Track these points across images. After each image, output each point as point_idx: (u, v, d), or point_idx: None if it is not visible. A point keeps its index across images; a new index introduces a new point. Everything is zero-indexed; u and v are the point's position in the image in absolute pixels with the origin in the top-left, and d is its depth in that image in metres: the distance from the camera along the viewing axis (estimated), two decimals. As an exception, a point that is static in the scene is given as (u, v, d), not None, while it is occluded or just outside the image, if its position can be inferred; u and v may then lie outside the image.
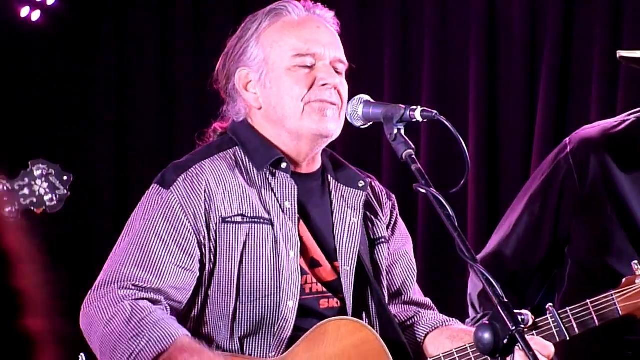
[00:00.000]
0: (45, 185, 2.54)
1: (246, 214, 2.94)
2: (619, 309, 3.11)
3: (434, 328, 3.15)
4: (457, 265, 4.17)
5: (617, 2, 5.19)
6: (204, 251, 2.92)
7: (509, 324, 2.38)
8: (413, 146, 2.74)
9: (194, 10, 6.15)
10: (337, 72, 3.02)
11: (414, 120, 2.77)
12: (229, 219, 2.93)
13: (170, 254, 2.89)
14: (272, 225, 2.95)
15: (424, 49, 5.64)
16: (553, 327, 3.04)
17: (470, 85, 5.51)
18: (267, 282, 2.92)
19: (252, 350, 2.93)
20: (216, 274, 2.93)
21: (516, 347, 2.41)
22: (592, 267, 3.55)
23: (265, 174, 3.00)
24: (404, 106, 2.80)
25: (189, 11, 6.15)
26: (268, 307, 2.92)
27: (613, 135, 3.54)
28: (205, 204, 2.92)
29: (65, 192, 2.55)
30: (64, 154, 6.13)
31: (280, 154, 3.00)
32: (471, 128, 5.47)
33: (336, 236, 3.04)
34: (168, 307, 2.89)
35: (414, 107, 2.77)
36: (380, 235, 3.14)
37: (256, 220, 2.95)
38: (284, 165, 2.99)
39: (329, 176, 3.10)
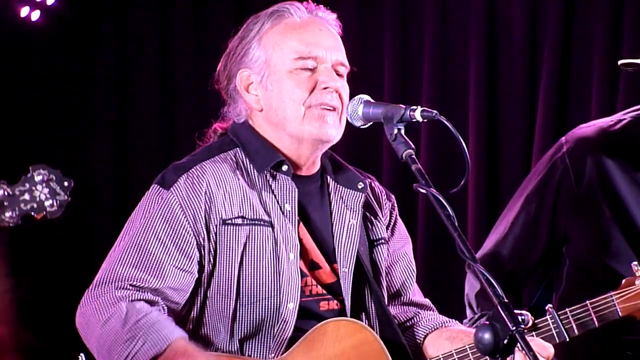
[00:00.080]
0: (46, 190, 2.53)
1: (246, 216, 2.94)
2: (618, 310, 3.10)
3: (433, 329, 3.15)
4: (457, 265, 4.17)
5: (617, 2, 5.19)
6: (202, 253, 2.92)
7: (509, 324, 2.38)
8: (413, 146, 2.74)
9: (194, 10, 6.15)
10: (338, 74, 3.02)
11: (414, 120, 2.76)
12: (229, 221, 2.93)
13: (169, 255, 2.88)
14: (272, 227, 2.95)
15: (424, 49, 5.64)
16: (552, 328, 3.04)
17: (470, 85, 5.51)
18: (267, 284, 2.92)
19: (251, 351, 2.93)
20: (216, 276, 2.93)
21: (516, 348, 2.41)
22: (590, 267, 3.55)
23: (266, 175, 3.00)
24: (404, 106, 2.79)
25: (189, 11, 6.15)
26: (268, 309, 2.92)
27: (610, 134, 3.53)
28: (205, 206, 2.92)
29: (66, 197, 2.55)
30: (64, 154, 6.15)
31: (282, 156, 2.99)
32: (471, 128, 5.47)
33: (335, 238, 3.04)
34: (165, 308, 2.89)
35: (414, 107, 2.77)
36: (379, 236, 3.14)
37: (256, 222, 2.94)
38: (284, 167, 2.99)
39: (328, 177, 3.10)
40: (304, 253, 3.00)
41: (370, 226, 3.14)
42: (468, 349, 2.99)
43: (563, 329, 3.04)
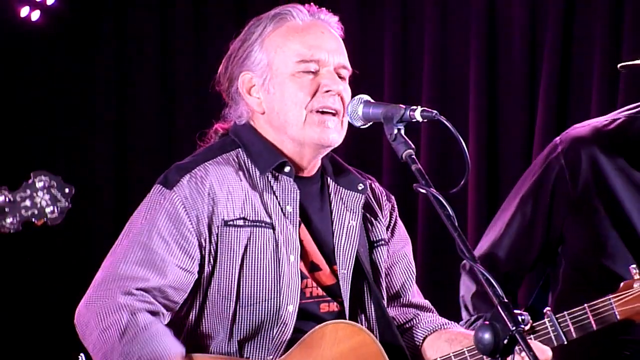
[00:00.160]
0: (47, 197, 2.53)
1: (248, 218, 2.94)
2: (616, 313, 3.10)
3: (432, 331, 3.15)
4: (457, 266, 4.17)
5: (617, 2, 5.19)
6: (203, 253, 2.92)
7: (509, 324, 2.38)
8: (413, 146, 2.73)
9: (194, 10, 6.15)
10: (340, 77, 3.01)
11: (414, 120, 2.76)
12: (231, 222, 2.93)
13: (172, 254, 2.88)
14: (273, 229, 2.94)
15: (424, 49, 5.64)
16: (551, 332, 3.03)
17: (470, 85, 5.51)
18: (267, 287, 2.92)
19: (250, 352, 2.93)
20: (216, 277, 2.93)
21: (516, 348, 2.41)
22: (587, 267, 3.54)
23: (268, 177, 2.99)
24: (404, 106, 2.79)
25: (189, 11, 6.15)
26: (268, 311, 2.91)
27: (604, 133, 3.52)
28: (208, 207, 2.91)
29: (67, 204, 2.56)
30: (64, 154, 6.15)
31: (284, 158, 2.99)
32: (471, 128, 5.47)
33: (335, 239, 3.04)
34: (165, 314, 2.89)
35: (414, 107, 2.77)
36: (379, 238, 3.14)
37: (257, 224, 2.94)
38: (287, 169, 2.99)
39: (329, 178, 3.10)
40: (304, 255, 2.99)
41: (370, 227, 3.13)
42: (466, 352, 2.98)
43: (561, 332, 3.03)
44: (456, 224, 2.57)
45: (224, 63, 3.08)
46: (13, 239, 2.55)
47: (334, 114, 2.97)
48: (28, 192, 2.50)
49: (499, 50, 5.50)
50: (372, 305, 3.06)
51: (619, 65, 3.55)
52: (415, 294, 3.23)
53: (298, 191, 2.99)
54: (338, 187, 3.09)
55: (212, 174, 2.95)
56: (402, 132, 2.76)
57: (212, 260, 2.93)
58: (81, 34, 6.19)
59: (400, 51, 5.70)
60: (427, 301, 3.25)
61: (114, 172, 6.24)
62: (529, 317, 2.94)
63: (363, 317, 3.05)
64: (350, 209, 3.07)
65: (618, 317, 3.10)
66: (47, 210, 2.51)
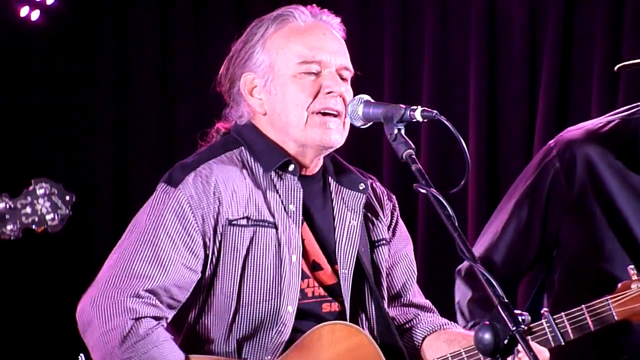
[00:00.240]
0: (48, 204, 2.54)
1: (251, 217, 2.94)
2: (614, 314, 3.09)
3: (431, 331, 3.15)
4: (457, 266, 4.18)
5: (617, 2, 5.19)
6: (207, 253, 2.92)
7: (510, 324, 2.38)
8: (413, 146, 2.73)
9: (194, 10, 6.15)
10: (342, 78, 3.01)
11: (414, 120, 2.76)
12: (235, 222, 2.93)
13: (178, 253, 2.89)
14: (276, 228, 2.95)
15: (424, 49, 5.64)
16: (548, 332, 3.03)
17: (470, 85, 5.51)
18: (268, 287, 2.92)
19: (248, 352, 2.93)
20: (218, 276, 2.93)
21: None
22: (583, 270, 3.54)
23: (271, 175, 2.99)
24: (404, 106, 2.79)
25: (189, 11, 6.15)
26: (268, 311, 2.92)
27: (599, 136, 3.51)
28: (214, 206, 2.91)
29: (67, 211, 2.56)
30: (64, 154, 6.15)
31: (288, 156, 2.99)
32: (471, 128, 5.47)
33: (336, 239, 3.04)
34: (169, 318, 2.89)
35: (414, 107, 2.77)
36: (380, 237, 3.14)
37: (260, 223, 2.94)
38: (291, 167, 2.99)
39: (330, 178, 3.10)
40: (306, 254, 2.99)
41: (371, 227, 3.13)
42: (463, 353, 2.98)
43: (558, 333, 3.03)
44: (456, 224, 2.57)
45: (225, 64, 3.08)
46: (13, 240, 2.55)
47: (335, 115, 2.97)
48: (29, 199, 2.51)
49: (499, 50, 5.50)
50: (372, 306, 3.07)
51: (616, 67, 3.55)
52: (416, 294, 3.22)
53: (301, 190, 2.99)
54: (339, 186, 3.09)
55: (216, 172, 2.95)
56: (402, 132, 2.76)
57: (215, 260, 2.93)
58: (81, 34, 6.19)
59: (400, 51, 5.70)
60: (427, 301, 3.25)
61: (114, 172, 6.24)
62: (529, 317, 2.95)
63: (363, 317, 3.05)
64: (352, 209, 3.07)
65: (616, 317, 3.10)
66: (48, 217, 2.52)
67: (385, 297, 3.11)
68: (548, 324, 3.03)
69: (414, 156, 2.71)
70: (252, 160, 3.01)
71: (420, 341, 3.14)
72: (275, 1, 5.65)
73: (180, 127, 6.07)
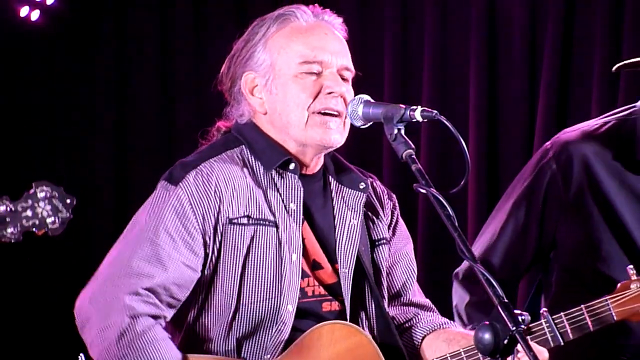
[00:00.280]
0: (48, 207, 2.54)
1: (252, 215, 2.94)
2: (613, 314, 3.09)
3: (431, 331, 3.15)
4: (457, 266, 4.18)
5: (617, 2, 5.19)
6: (207, 251, 2.92)
7: (509, 324, 2.38)
8: (413, 146, 2.73)
9: (194, 10, 6.15)
10: (343, 79, 3.01)
11: (414, 120, 2.76)
12: (236, 221, 2.93)
13: (178, 251, 2.89)
14: (277, 227, 2.95)
15: (424, 49, 5.64)
16: (547, 332, 3.03)
17: (470, 85, 5.51)
18: (268, 286, 2.92)
19: (248, 351, 2.93)
20: (219, 275, 2.93)
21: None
22: (581, 271, 3.54)
23: (272, 174, 2.99)
24: (404, 106, 2.79)
25: (189, 11, 6.15)
26: (267, 310, 2.92)
27: (596, 137, 3.51)
28: (214, 205, 2.91)
29: (68, 215, 2.57)
30: (64, 154, 6.15)
31: (288, 155, 2.99)
32: (471, 128, 5.47)
33: (336, 238, 3.04)
34: (167, 317, 2.89)
35: (414, 107, 2.77)
36: (381, 237, 3.14)
37: (261, 222, 2.94)
38: (292, 166, 2.99)
39: (330, 177, 3.10)
40: (306, 253, 3.00)
41: (371, 226, 3.14)
42: (463, 353, 2.98)
43: (558, 333, 3.03)
44: (456, 224, 2.57)
45: (226, 63, 3.08)
46: (14, 243, 2.55)
47: (336, 115, 2.97)
48: (29, 202, 2.51)
49: (499, 50, 5.50)
50: (372, 305, 3.07)
51: (614, 68, 3.55)
52: (416, 293, 3.23)
53: (302, 189, 2.99)
54: (340, 185, 3.10)
55: (217, 171, 2.95)
56: (402, 132, 2.76)
57: (215, 258, 2.93)
58: (81, 34, 6.19)
59: (400, 51, 5.70)
60: (427, 300, 3.25)
61: (114, 172, 6.24)
62: (529, 317, 2.95)
63: (363, 316, 3.05)
64: (352, 208, 3.08)
65: (615, 317, 3.09)
66: (49, 220, 2.52)
67: (386, 297, 3.11)
68: (547, 324, 3.03)
69: (414, 156, 2.70)
70: (253, 159, 3.01)
71: (420, 340, 3.14)
72: (276, 1, 5.65)
73: (180, 127, 6.07)
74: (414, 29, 5.69)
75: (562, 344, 3.03)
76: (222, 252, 2.92)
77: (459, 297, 3.63)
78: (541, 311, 3.04)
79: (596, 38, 5.23)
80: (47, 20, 6.00)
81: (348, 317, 2.99)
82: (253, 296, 2.92)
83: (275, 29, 3.02)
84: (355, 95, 2.98)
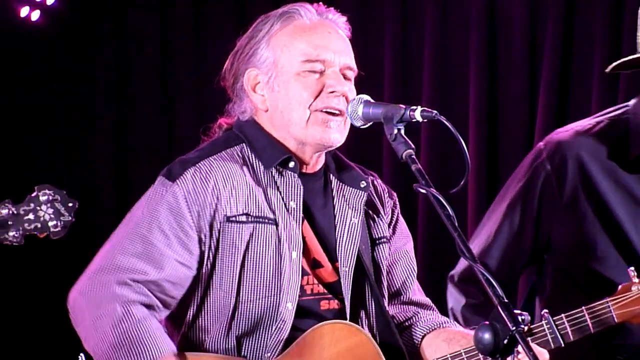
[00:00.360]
0: (51, 211, 2.55)
1: (251, 213, 2.94)
2: (614, 316, 3.08)
3: (431, 330, 3.15)
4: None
5: (617, 2, 5.19)
6: (203, 249, 2.92)
7: (509, 324, 2.38)
8: (413, 146, 2.73)
9: (194, 10, 6.15)
10: (346, 78, 3.01)
11: (414, 120, 2.76)
12: (234, 218, 2.93)
13: (171, 248, 2.89)
14: (277, 225, 2.95)
15: (424, 49, 5.64)
16: (548, 334, 3.02)
17: (470, 85, 5.51)
18: (267, 283, 2.92)
19: (248, 349, 2.93)
20: (217, 272, 2.93)
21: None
22: (575, 271, 3.53)
23: (272, 172, 3.00)
24: (404, 106, 2.79)
25: (189, 11, 6.15)
26: (267, 307, 2.92)
27: (589, 137, 3.51)
28: (211, 202, 2.92)
29: (70, 218, 2.58)
30: (64, 154, 6.15)
31: (289, 153, 2.99)
32: (471, 128, 5.47)
33: (337, 236, 3.04)
34: (161, 308, 2.89)
35: (414, 107, 2.77)
36: (381, 235, 3.14)
37: (260, 220, 2.94)
38: (291, 164, 2.99)
39: (331, 175, 3.10)
40: (306, 251, 3.00)
41: (372, 224, 3.14)
42: (463, 354, 2.98)
43: (558, 335, 3.02)
44: (456, 224, 2.57)
45: (230, 59, 3.08)
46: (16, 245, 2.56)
47: (337, 115, 2.97)
48: (32, 205, 2.52)
49: (499, 50, 5.50)
50: (372, 304, 3.07)
51: (607, 69, 3.54)
52: (416, 292, 3.23)
53: (302, 187, 2.99)
54: (341, 184, 3.10)
55: (216, 169, 2.95)
56: (402, 132, 2.76)
57: (212, 256, 2.93)
58: (81, 34, 6.19)
59: (400, 51, 5.70)
60: (427, 299, 3.25)
61: (114, 172, 6.24)
62: (529, 317, 2.95)
63: (363, 315, 3.06)
64: (353, 206, 3.08)
65: (616, 319, 3.09)
66: (51, 224, 2.53)
67: (386, 295, 3.11)
68: (548, 326, 3.02)
69: (413, 156, 2.70)
70: (253, 157, 3.01)
71: (420, 339, 3.14)
72: (276, 1, 5.65)
73: (180, 127, 6.07)
74: (414, 29, 5.69)
75: (563, 345, 3.02)
76: (219, 250, 2.92)
77: (455, 299, 3.63)
78: (542, 312, 3.04)
79: (596, 38, 5.23)
80: (47, 20, 6.00)
81: (348, 316, 2.99)
82: (252, 294, 2.92)
83: (278, 27, 3.02)
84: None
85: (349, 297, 3.00)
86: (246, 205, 2.94)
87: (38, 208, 2.51)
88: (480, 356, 2.94)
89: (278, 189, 2.98)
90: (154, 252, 2.88)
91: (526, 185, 3.55)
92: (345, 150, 3.14)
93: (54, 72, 6.17)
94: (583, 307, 3.07)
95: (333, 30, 3.04)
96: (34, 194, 2.52)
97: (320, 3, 3.09)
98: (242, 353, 2.93)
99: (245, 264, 2.92)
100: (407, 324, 3.19)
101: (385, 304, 3.09)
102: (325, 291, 3.00)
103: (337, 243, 3.03)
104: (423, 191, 2.63)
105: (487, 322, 2.41)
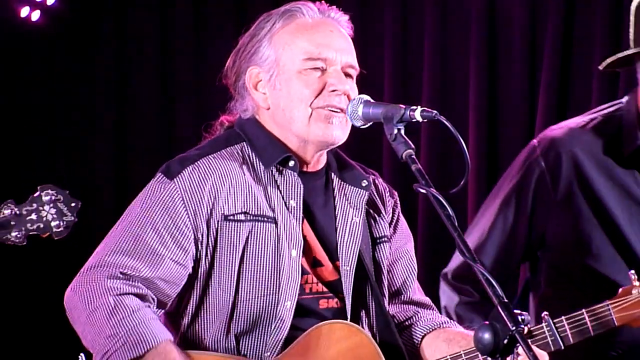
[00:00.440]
0: (53, 211, 2.55)
1: (250, 212, 2.94)
2: (614, 319, 3.08)
3: (431, 330, 3.15)
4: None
5: (617, 2, 5.19)
6: (200, 248, 2.92)
7: (509, 324, 2.38)
8: (413, 146, 2.73)
9: (194, 10, 6.16)
10: (347, 76, 3.01)
11: (414, 120, 2.76)
12: (232, 217, 2.93)
13: (164, 246, 2.88)
14: (276, 224, 2.95)
15: (424, 49, 5.64)
16: (548, 336, 3.02)
17: (470, 85, 5.51)
18: (266, 282, 2.92)
19: (247, 348, 2.93)
20: (215, 271, 2.93)
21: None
22: (570, 268, 3.53)
23: (272, 171, 3.00)
24: (404, 106, 2.79)
25: (189, 11, 6.16)
26: (266, 306, 2.92)
27: (583, 134, 3.51)
28: (208, 201, 2.92)
29: (73, 218, 2.58)
30: (64, 154, 6.15)
31: (289, 152, 2.99)
32: (471, 128, 5.47)
33: (338, 236, 3.04)
34: (154, 300, 2.89)
35: (414, 107, 2.77)
36: (382, 234, 3.14)
37: (259, 218, 2.94)
38: (291, 163, 2.99)
39: (333, 174, 3.10)
40: (307, 250, 2.99)
41: (373, 223, 3.14)
42: (463, 355, 2.98)
43: (558, 337, 3.02)
44: (456, 224, 2.57)
45: (232, 57, 3.09)
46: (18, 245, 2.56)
47: (339, 112, 2.97)
48: (34, 205, 2.52)
49: (499, 50, 5.50)
50: (373, 303, 3.07)
51: (600, 66, 3.55)
52: (416, 291, 3.23)
53: (302, 186, 2.99)
54: (342, 182, 3.10)
55: (215, 167, 2.95)
56: (402, 132, 2.76)
57: (211, 255, 2.93)
58: (81, 34, 6.19)
59: (400, 51, 5.70)
60: (427, 298, 3.25)
61: (114, 172, 6.24)
62: (529, 317, 2.95)
63: (363, 314, 3.05)
64: (354, 206, 3.08)
65: (616, 322, 3.09)
66: (53, 224, 2.53)
67: (386, 295, 3.11)
68: (548, 328, 3.02)
69: (413, 156, 2.71)
70: (254, 156, 3.01)
71: (420, 339, 3.14)
72: (276, 1, 5.65)
73: (180, 127, 6.08)
74: (414, 29, 5.69)
75: (563, 348, 3.02)
76: (218, 249, 2.92)
77: (448, 297, 3.63)
78: (542, 315, 3.04)
79: (596, 38, 5.23)
80: (47, 20, 6.00)
81: (348, 315, 2.99)
82: (250, 292, 2.92)
83: (280, 25, 3.02)
84: (356, 94, 2.98)
85: (350, 296, 3.00)
86: (245, 203, 2.94)
87: (41, 208, 2.51)
88: (480, 357, 2.94)
89: (278, 187, 2.98)
90: (147, 250, 2.88)
91: (520, 182, 3.55)
92: (345, 150, 3.14)
93: (54, 72, 6.18)
94: (583, 310, 3.07)
95: (335, 28, 3.04)
96: (36, 194, 2.52)
97: (323, 2, 3.09)
98: (242, 352, 2.93)
99: (244, 262, 2.92)
100: (407, 323, 3.19)
101: (386, 303, 3.10)
102: (325, 290, 3.00)
103: (338, 242, 3.03)
104: (423, 191, 2.63)
105: (487, 322, 2.41)
